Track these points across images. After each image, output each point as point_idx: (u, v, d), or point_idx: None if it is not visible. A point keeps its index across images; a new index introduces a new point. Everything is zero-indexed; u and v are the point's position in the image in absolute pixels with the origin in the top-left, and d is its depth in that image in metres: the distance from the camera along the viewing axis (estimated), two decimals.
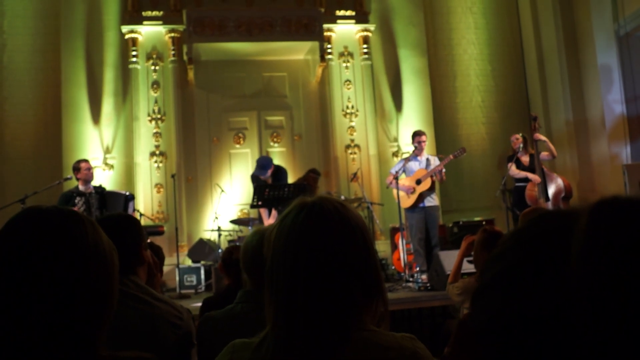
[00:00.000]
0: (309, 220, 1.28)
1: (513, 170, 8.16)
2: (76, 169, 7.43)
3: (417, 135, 8.12)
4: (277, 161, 9.81)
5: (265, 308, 1.30)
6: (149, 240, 2.73)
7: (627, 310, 0.55)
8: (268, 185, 7.61)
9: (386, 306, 1.33)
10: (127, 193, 7.84)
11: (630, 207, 0.60)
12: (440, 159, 8.06)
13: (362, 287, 1.27)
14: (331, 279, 1.24)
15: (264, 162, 7.96)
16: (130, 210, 7.60)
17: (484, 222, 9.01)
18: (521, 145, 8.20)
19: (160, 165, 9.63)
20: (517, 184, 8.23)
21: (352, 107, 10.17)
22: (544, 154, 8.16)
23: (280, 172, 8.05)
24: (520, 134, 8.39)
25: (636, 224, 0.59)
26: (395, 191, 7.91)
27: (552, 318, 0.59)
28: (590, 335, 0.56)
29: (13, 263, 1.10)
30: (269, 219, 7.74)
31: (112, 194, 7.79)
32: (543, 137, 8.18)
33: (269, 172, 7.89)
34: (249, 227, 8.34)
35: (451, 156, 7.96)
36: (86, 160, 7.67)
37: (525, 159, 8.22)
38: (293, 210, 1.32)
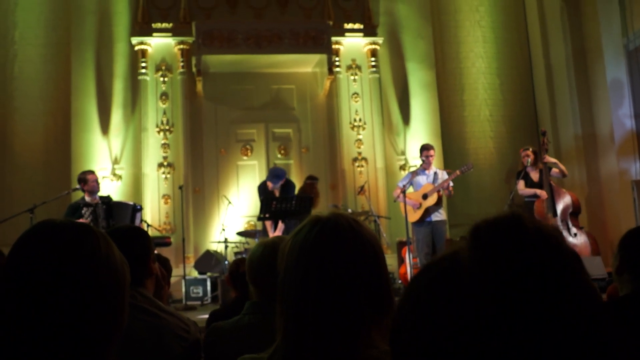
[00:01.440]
0: (322, 236, 1.28)
1: (521, 187, 8.13)
2: (83, 180, 7.43)
3: (424, 149, 8.09)
4: None
5: (276, 319, 1.30)
6: (156, 252, 2.73)
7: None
8: (275, 198, 7.61)
9: None
10: (135, 204, 7.85)
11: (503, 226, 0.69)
12: (448, 174, 8.04)
13: (373, 304, 1.27)
14: (341, 295, 1.24)
15: (278, 172, 7.98)
16: (137, 222, 7.60)
17: None
18: (530, 160, 8.17)
19: (168, 176, 9.65)
20: (527, 200, 8.20)
21: (360, 120, 10.17)
22: (555, 171, 8.13)
23: (289, 185, 8.05)
24: (531, 149, 8.35)
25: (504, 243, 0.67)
26: (402, 205, 7.89)
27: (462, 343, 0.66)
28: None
29: (25, 276, 1.11)
30: (275, 232, 7.73)
31: (119, 204, 7.79)
32: (552, 159, 8.15)
33: (280, 183, 7.90)
34: (256, 239, 8.32)
35: (458, 172, 7.93)
36: (92, 172, 7.67)
37: (534, 174, 8.18)
38: (307, 225, 1.32)
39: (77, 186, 7.70)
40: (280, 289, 1.30)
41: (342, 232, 1.29)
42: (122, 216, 7.47)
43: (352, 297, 1.24)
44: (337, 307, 1.23)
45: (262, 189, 8.02)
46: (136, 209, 7.72)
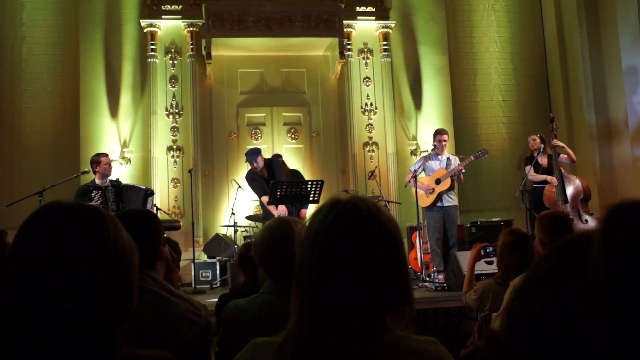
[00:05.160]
0: (340, 219, 1.26)
1: (531, 174, 8.09)
2: (95, 162, 7.42)
3: (438, 133, 8.04)
4: (294, 158, 9.78)
5: (291, 302, 1.29)
6: (165, 235, 2.70)
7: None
8: (286, 182, 7.55)
9: (412, 312, 1.30)
10: (147, 189, 7.84)
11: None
12: (461, 159, 7.99)
13: (389, 290, 1.26)
14: (357, 281, 1.22)
15: (252, 150, 7.90)
16: (149, 206, 7.59)
17: (502, 223, 8.92)
18: (541, 146, 8.13)
19: (177, 160, 9.63)
20: (535, 185, 8.16)
21: (371, 104, 10.11)
22: (563, 157, 8.08)
23: (273, 164, 7.94)
24: (538, 135, 8.30)
25: None
26: (413, 190, 7.85)
27: (573, 315, 0.63)
28: (608, 336, 0.59)
29: (32, 259, 1.09)
30: (276, 210, 7.64)
31: (130, 187, 7.78)
32: (561, 143, 8.10)
33: (260, 160, 7.78)
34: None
35: (472, 157, 7.89)
36: (106, 155, 7.67)
37: (543, 160, 8.14)
38: (325, 207, 1.30)
39: (87, 168, 7.69)
40: (296, 271, 1.29)
41: (360, 216, 1.27)
42: (133, 200, 7.46)
43: (368, 282, 1.23)
44: (353, 291, 1.22)
45: (251, 176, 7.90)
46: (148, 193, 7.71)
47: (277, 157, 8.63)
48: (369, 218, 1.27)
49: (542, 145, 8.17)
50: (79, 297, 1.07)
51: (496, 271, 4.17)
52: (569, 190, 7.91)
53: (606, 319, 0.59)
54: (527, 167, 8.12)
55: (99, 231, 1.13)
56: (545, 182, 8.00)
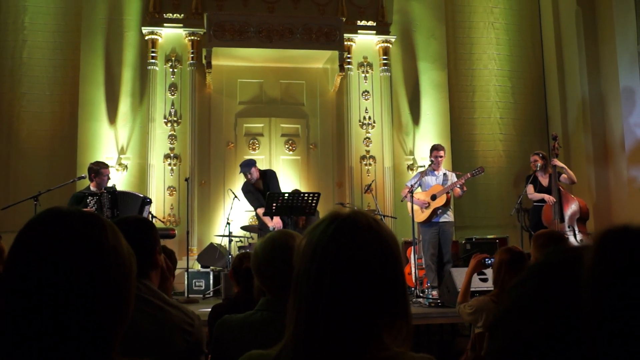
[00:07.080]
0: (339, 233, 1.26)
1: (530, 191, 8.12)
2: (95, 171, 7.33)
3: (435, 149, 8.07)
4: (290, 169, 9.79)
5: (288, 314, 1.29)
6: (161, 244, 2.69)
7: (631, 329, 0.60)
8: (282, 194, 7.54)
9: (409, 328, 1.30)
10: (145, 197, 7.79)
11: (635, 237, 0.65)
12: (457, 176, 8.01)
13: (386, 304, 1.25)
14: (355, 294, 1.22)
15: (247, 161, 7.95)
16: (145, 214, 7.55)
17: (497, 240, 8.92)
18: (538, 164, 8.15)
19: (174, 168, 9.62)
20: (535, 204, 8.18)
21: (369, 118, 10.13)
22: (564, 177, 8.10)
23: (267, 175, 7.95)
24: (540, 154, 8.32)
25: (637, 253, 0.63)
26: (409, 205, 7.85)
27: (564, 340, 0.64)
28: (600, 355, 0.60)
29: (30, 265, 1.08)
30: (272, 222, 7.65)
31: (126, 194, 7.74)
32: (560, 163, 8.12)
33: (255, 172, 7.80)
34: (259, 235, 8.29)
35: (469, 175, 7.91)
36: (107, 166, 7.57)
37: (544, 179, 8.16)
38: (325, 221, 1.30)
39: (84, 174, 7.64)
40: (294, 281, 1.29)
41: (359, 231, 1.26)
42: (129, 207, 7.41)
43: (365, 297, 1.22)
44: (350, 306, 1.21)
45: (246, 188, 7.91)
46: (146, 201, 7.67)
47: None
48: (368, 232, 1.26)
49: (541, 164, 8.19)
50: (76, 303, 1.07)
51: (490, 289, 4.16)
52: (567, 210, 7.93)
53: (599, 346, 0.60)
54: (529, 186, 8.16)
55: (97, 238, 1.13)
56: (544, 201, 8.02)
